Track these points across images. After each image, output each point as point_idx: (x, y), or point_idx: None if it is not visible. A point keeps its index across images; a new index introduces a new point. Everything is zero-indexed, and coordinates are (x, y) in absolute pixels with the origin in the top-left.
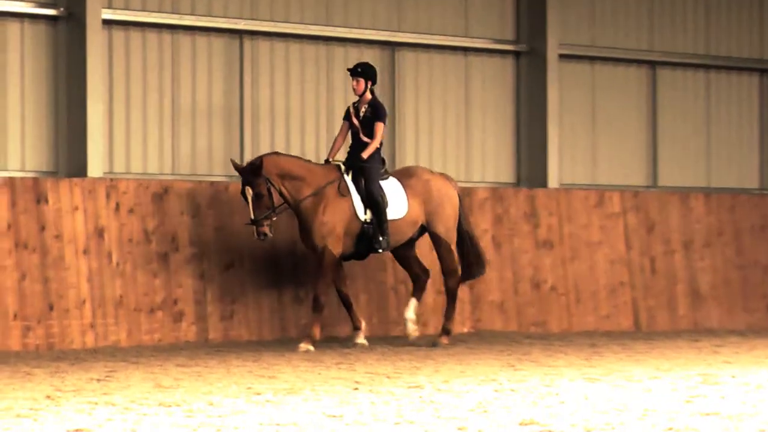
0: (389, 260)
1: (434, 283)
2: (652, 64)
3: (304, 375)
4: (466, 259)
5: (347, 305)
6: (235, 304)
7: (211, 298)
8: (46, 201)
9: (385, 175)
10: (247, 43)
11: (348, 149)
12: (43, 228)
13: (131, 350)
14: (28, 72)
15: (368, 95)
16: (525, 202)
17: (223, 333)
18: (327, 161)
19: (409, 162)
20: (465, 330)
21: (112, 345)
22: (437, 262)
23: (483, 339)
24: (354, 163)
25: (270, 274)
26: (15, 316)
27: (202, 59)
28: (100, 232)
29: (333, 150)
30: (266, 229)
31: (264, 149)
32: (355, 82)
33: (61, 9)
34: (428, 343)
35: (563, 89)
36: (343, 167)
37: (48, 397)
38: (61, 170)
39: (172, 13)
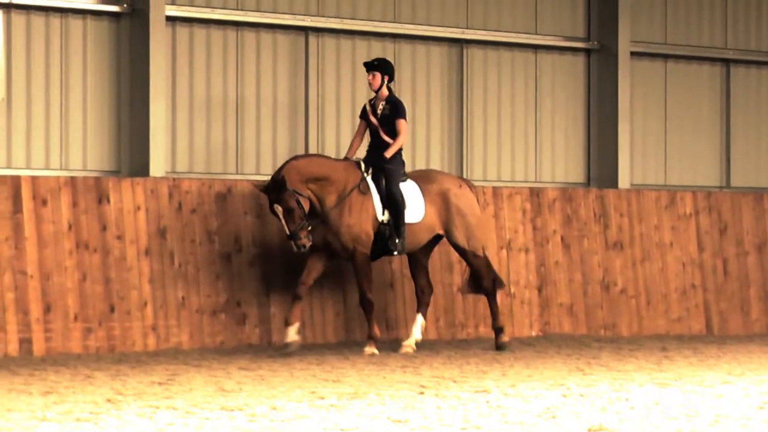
0: (456, 261)
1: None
2: (726, 62)
3: (368, 378)
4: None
5: (298, 297)
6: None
7: (274, 300)
8: (108, 201)
9: (404, 177)
10: (313, 40)
11: (367, 148)
12: (104, 228)
13: (193, 353)
14: (90, 69)
15: (385, 91)
16: (595, 203)
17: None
18: (346, 159)
19: (476, 164)
20: (533, 333)
21: (174, 348)
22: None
23: (551, 342)
24: (375, 162)
25: (334, 275)
26: (76, 317)
27: (267, 56)
28: (162, 233)
29: (351, 150)
30: (305, 241)
31: (329, 148)
32: (371, 77)
33: (125, 5)
34: (492, 346)
35: (635, 87)
36: (363, 165)
37: (109, 400)
38: (123, 169)
39: (237, 9)
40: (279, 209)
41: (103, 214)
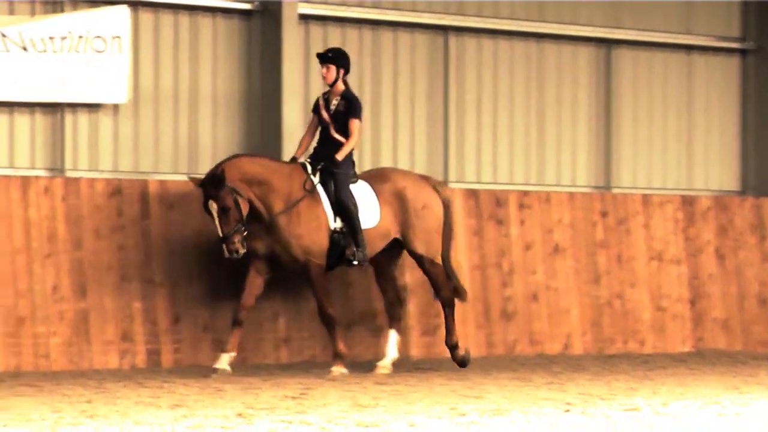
0: (603, 273)
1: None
2: None
3: (511, 395)
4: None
5: (238, 323)
6: (438, 318)
7: (413, 312)
8: None
9: (354, 179)
10: (453, 40)
11: (315, 145)
12: None
13: (327, 366)
14: (220, 68)
15: (340, 85)
16: (751, 212)
17: (426, 349)
18: (293, 159)
19: (625, 170)
20: (686, 349)
21: (308, 360)
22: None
23: (705, 359)
24: (324, 165)
25: (477, 285)
26: (205, 328)
27: (405, 56)
28: None
29: (300, 148)
30: (238, 246)
31: (469, 152)
32: (324, 70)
33: (256, 3)
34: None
35: None
36: (309, 167)
37: (239, 414)
38: None
39: (374, 8)
40: (214, 207)
41: None
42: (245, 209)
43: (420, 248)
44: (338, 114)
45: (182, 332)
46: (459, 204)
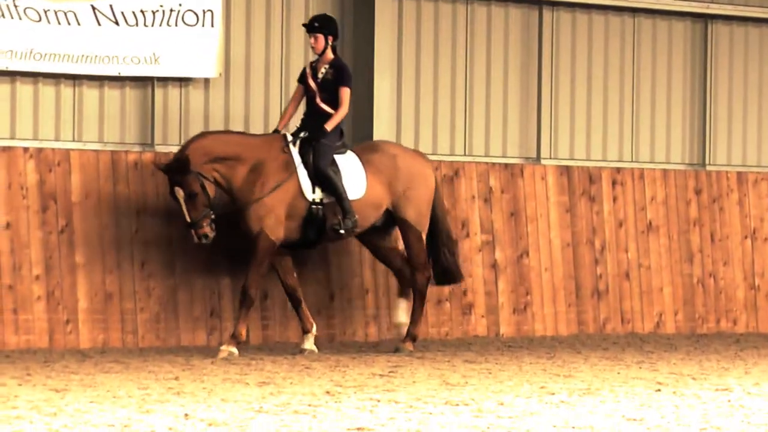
0: (696, 251)
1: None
2: None
3: (602, 374)
4: (439, 261)
5: (295, 302)
6: (528, 296)
7: (503, 289)
8: None
9: (343, 149)
10: (547, 14)
11: (302, 116)
12: None
13: (417, 344)
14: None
15: (329, 54)
16: None
17: (516, 327)
18: (276, 131)
19: (720, 147)
20: None
21: (397, 338)
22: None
23: None
24: (307, 135)
25: (566, 264)
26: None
27: (498, 32)
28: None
29: (284, 118)
30: (207, 230)
31: (562, 128)
32: (312, 40)
33: None
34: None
35: None
36: (290, 137)
37: (327, 392)
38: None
39: None
40: (180, 193)
41: None
42: (212, 192)
43: (410, 215)
44: (326, 83)
45: (270, 309)
46: (551, 180)
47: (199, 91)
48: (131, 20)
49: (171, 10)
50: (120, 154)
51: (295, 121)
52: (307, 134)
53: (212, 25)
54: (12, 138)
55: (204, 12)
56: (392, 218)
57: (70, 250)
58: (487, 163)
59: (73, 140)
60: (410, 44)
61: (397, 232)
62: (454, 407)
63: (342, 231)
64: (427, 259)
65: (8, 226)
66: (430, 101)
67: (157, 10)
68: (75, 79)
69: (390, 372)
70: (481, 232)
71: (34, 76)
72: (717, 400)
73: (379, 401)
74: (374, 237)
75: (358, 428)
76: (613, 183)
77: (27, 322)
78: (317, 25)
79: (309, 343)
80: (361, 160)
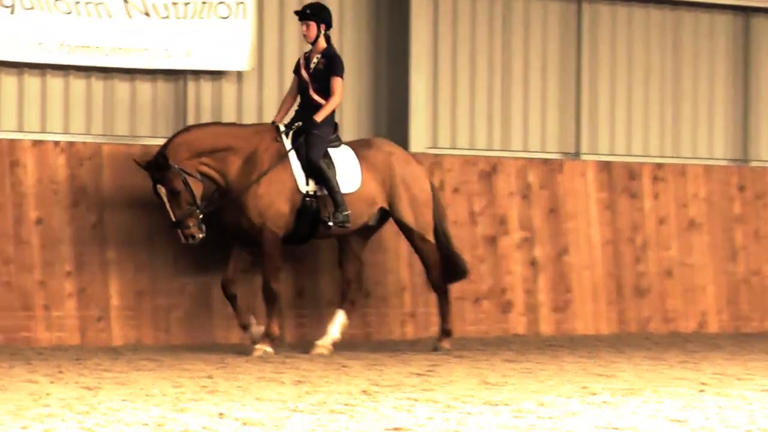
0: (740, 248)
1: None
2: None
3: (644, 374)
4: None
5: (231, 297)
6: (569, 294)
7: (542, 287)
8: None
9: (337, 142)
10: (586, 7)
11: (296, 108)
12: None
13: (455, 342)
14: (346, 35)
15: (322, 43)
16: None
17: (556, 326)
18: (273, 124)
19: (763, 142)
20: None
21: (434, 336)
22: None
23: None
24: (300, 126)
25: (609, 261)
26: (329, 302)
27: (536, 25)
28: None
29: (280, 111)
30: (194, 231)
31: (602, 123)
32: (305, 27)
33: None
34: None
35: None
36: (282, 128)
37: (364, 391)
38: None
39: None
40: (162, 191)
41: None
42: (198, 190)
43: (409, 219)
44: (318, 72)
45: (305, 306)
46: (591, 177)
47: (231, 85)
48: (163, 12)
49: (203, 2)
50: (152, 148)
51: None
52: (299, 125)
53: (245, 18)
54: (42, 132)
55: (237, 4)
56: (379, 221)
57: (101, 246)
58: (525, 158)
59: (104, 134)
60: (446, 39)
61: (371, 243)
62: (493, 407)
63: (331, 224)
64: (438, 256)
65: (39, 221)
66: (467, 96)
67: (189, 2)
68: (106, 72)
69: (428, 371)
70: (520, 229)
71: (64, 69)
72: (763, 401)
73: (416, 401)
74: (351, 236)
75: (396, 428)
76: (655, 179)
77: (59, 318)
78: (309, 12)
79: (255, 330)
80: (356, 154)
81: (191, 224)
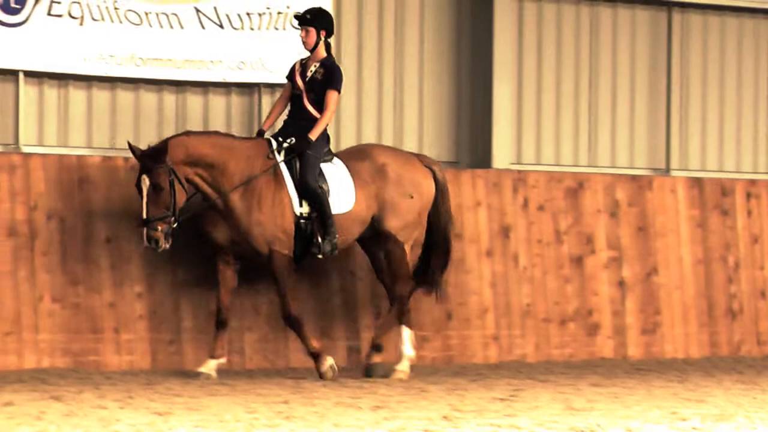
0: None
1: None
2: None
3: (736, 399)
4: (425, 276)
5: (220, 323)
6: (658, 315)
7: (631, 309)
8: None
9: (329, 156)
10: (676, 16)
11: (285, 118)
12: None
13: (539, 366)
14: (427, 46)
15: (321, 51)
16: None
17: (645, 349)
18: (260, 132)
19: None
20: None
21: (518, 360)
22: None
23: None
24: (293, 143)
25: (700, 281)
26: (408, 324)
27: (625, 34)
28: (505, 232)
29: (269, 119)
30: (159, 235)
31: (693, 137)
32: (303, 33)
33: None
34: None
35: None
36: (274, 144)
37: (445, 417)
38: (462, 160)
39: None
40: (146, 182)
41: None
42: (180, 199)
43: (391, 225)
44: (314, 82)
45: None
46: (681, 193)
47: None
48: (236, 23)
49: (278, 13)
50: None
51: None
52: (292, 142)
53: None
54: (112, 148)
55: None
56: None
57: (172, 266)
58: (613, 174)
59: None
60: (531, 49)
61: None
62: None
63: (319, 256)
64: (409, 272)
65: (108, 240)
66: (552, 109)
67: (264, 13)
68: (178, 85)
69: (511, 396)
70: (607, 248)
71: (135, 82)
72: None
73: (499, 427)
74: (374, 249)
75: None
76: (748, 196)
77: (129, 342)
78: (309, 17)
79: (208, 367)
80: (349, 170)
81: (160, 228)
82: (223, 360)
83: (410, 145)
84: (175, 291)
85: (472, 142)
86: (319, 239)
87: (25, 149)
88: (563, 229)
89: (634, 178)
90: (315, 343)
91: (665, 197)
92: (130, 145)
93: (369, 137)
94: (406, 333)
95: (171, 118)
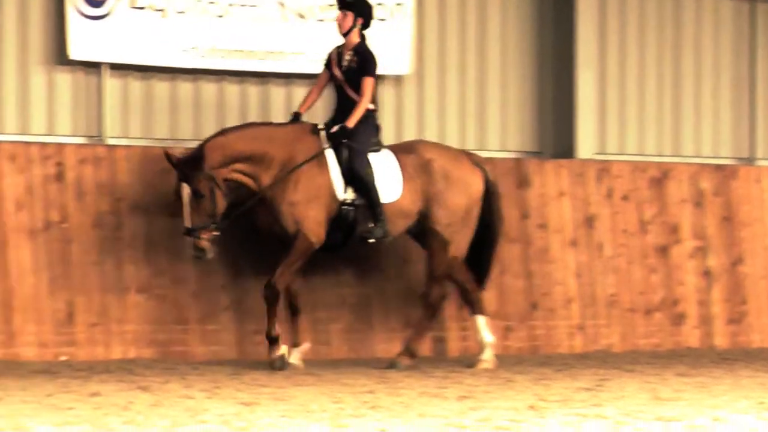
0: None
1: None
2: None
3: None
4: (477, 268)
5: (293, 310)
6: (744, 305)
7: (717, 298)
8: (529, 185)
9: (377, 147)
10: (761, 9)
11: (334, 108)
12: (525, 216)
13: (625, 356)
14: (509, 38)
15: (354, 37)
16: None
17: (731, 338)
18: (297, 114)
19: None
20: None
21: (604, 350)
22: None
23: None
24: (339, 131)
25: None
26: (495, 314)
27: (708, 24)
28: (590, 222)
29: (304, 104)
30: (205, 244)
31: None
32: (341, 16)
33: None
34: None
35: None
36: (323, 132)
37: (531, 407)
38: (546, 150)
39: None
40: (186, 190)
41: (524, 200)
42: (221, 206)
43: (439, 222)
44: (350, 71)
45: (469, 319)
46: (766, 183)
47: (390, 89)
48: (319, 15)
49: None
50: None
51: (319, 110)
52: (338, 128)
53: (404, 20)
54: (196, 139)
55: (396, 5)
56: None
57: (255, 257)
58: (697, 164)
59: None
60: (614, 40)
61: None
62: (666, 423)
63: (372, 240)
64: (446, 273)
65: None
66: (636, 98)
67: None
68: (261, 77)
69: (597, 386)
70: (693, 237)
71: (218, 74)
72: None
73: (585, 416)
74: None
75: None
76: None
77: (214, 332)
78: (349, 1)
79: (293, 357)
80: (398, 162)
81: (204, 237)
82: (307, 345)
83: (493, 136)
84: (260, 281)
85: (556, 132)
86: (370, 224)
87: (110, 141)
88: (648, 218)
89: (718, 167)
90: (276, 329)
91: (750, 187)
92: (166, 152)
93: (452, 129)
94: (481, 321)
95: (254, 109)
